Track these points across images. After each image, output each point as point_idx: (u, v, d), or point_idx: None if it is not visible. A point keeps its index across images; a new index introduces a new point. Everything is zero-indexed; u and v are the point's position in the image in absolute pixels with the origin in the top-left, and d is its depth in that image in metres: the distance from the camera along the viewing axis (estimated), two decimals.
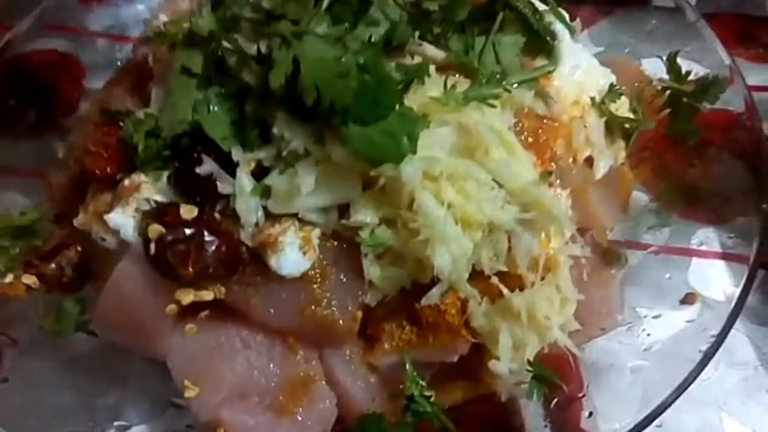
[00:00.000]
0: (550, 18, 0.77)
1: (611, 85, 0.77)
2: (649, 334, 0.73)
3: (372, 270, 0.65)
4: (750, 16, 1.07)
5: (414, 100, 0.63)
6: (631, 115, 0.78)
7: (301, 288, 0.65)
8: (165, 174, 0.67)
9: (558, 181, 0.70)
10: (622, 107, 0.78)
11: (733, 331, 0.80)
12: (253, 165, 0.65)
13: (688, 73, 0.80)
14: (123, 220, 0.65)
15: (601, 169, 0.74)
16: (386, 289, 0.66)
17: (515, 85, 0.69)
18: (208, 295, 0.64)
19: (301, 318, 0.65)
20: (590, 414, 0.69)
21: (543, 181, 0.64)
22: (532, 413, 0.72)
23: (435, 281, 0.64)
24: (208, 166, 0.64)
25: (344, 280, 0.66)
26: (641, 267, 0.80)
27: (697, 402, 0.77)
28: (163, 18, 0.76)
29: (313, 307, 0.65)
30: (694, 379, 0.64)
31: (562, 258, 0.67)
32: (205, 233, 0.62)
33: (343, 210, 0.65)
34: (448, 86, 0.63)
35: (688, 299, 0.74)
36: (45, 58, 0.95)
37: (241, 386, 0.66)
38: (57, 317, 0.71)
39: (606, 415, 0.70)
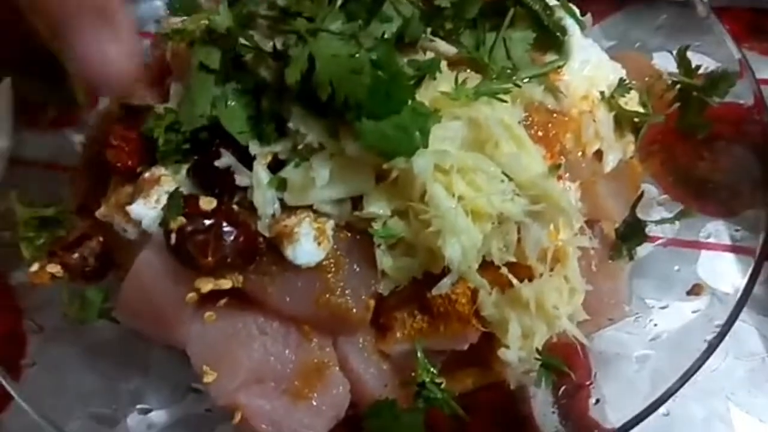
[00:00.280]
0: (560, 13, 0.78)
1: (621, 80, 0.77)
2: (656, 325, 0.74)
3: (384, 260, 0.66)
4: (762, 10, 1.07)
5: (426, 95, 0.64)
6: (641, 109, 0.79)
7: (316, 277, 0.67)
8: (184, 167, 0.69)
9: (567, 174, 0.70)
10: (631, 101, 0.79)
11: (741, 323, 0.82)
12: (269, 158, 0.66)
13: (698, 67, 0.80)
14: (144, 211, 0.67)
15: (610, 162, 0.75)
16: (398, 279, 0.67)
17: (525, 80, 0.71)
18: (226, 284, 0.66)
19: (316, 306, 0.67)
20: (597, 401, 0.71)
21: (552, 174, 0.65)
22: (541, 401, 0.73)
23: (446, 271, 0.65)
24: (226, 160, 0.66)
25: (357, 269, 0.67)
26: (650, 259, 0.81)
27: (704, 392, 0.78)
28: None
29: (327, 296, 0.67)
30: (699, 368, 0.65)
31: (571, 249, 0.68)
32: (224, 224, 0.64)
33: (357, 202, 0.66)
34: (459, 81, 0.65)
35: (694, 290, 0.75)
36: None
37: (257, 372, 0.68)
38: (81, 305, 0.73)
39: (613, 403, 0.71)
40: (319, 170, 0.64)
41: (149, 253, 0.66)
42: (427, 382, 0.68)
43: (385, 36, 0.63)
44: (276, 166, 0.67)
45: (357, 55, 0.59)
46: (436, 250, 0.62)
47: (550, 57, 0.76)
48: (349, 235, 0.68)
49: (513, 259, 0.65)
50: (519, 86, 0.68)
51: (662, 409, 0.76)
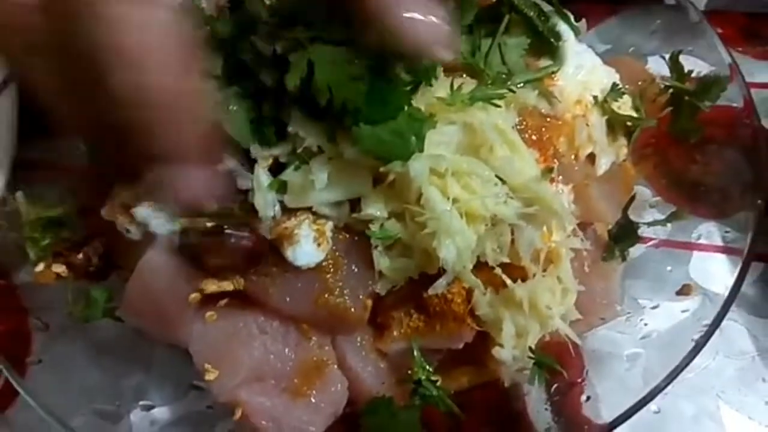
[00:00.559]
0: (555, 19, 0.79)
1: (614, 84, 0.79)
2: (646, 324, 0.76)
3: (381, 261, 0.68)
4: (757, 14, 1.09)
5: (422, 100, 0.66)
6: (634, 114, 0.80)
7: (315, 278, 0.68)
8: None
9: (560, 177, 0.72)
10: (624, 105, 0.80)
11: (731, 323, 0.84)
12: (270, 161, 0.68)
13: (689, 72, 0.82)
14: (148, 213, 0.69)
15: (602, 165, 0.77)
16: (395, 279, 0.69)
17: (520, 85, 0.72)
18: (229, 286, 0.67)
19: (315, 306, 0.68)
20: (588, 398, 0.72)
21: (545, 177, 0.67)
22: (535, 398, 0.75)
23: (441, 272, 0.66)
24: (227, 163, 0.68)
25: (355, 270, 0.69)
26: (643, 259, 0.82)
27: (695, 390, 0.80)
28: None
29: (326, 296, 0.68)
30: (686, 365, 0.66)
31: (564, 251, 0.70)
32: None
33: (355, 204, 0.68)
34: (455, 87, 0.66)
35: (684, 290, 0.76)
36: None
37: (257, 370, 0.69)
38: (85, 304, 0.74)
39: (605, 400, 0.73)
40: (318, 173, 0.65)
41: (153, 254, 0.68)
42: (423, 380, 0.70)
43: None
44: (276, 169, 0.68)
45: (355, 62, 0.61)
46: (432, 251, 0.63)
47: (544, 62, 0.77)
48: (347, 236, 0.69)
49: (507, 260, 0.67)
50: (513, 91, 0.70)
51: (653, 407, 0.78)
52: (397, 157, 0.62)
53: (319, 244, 0.67)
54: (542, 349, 0.71)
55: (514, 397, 0.75)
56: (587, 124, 0.76)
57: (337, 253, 0.69)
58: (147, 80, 0.47)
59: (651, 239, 0.83)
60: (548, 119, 0.75)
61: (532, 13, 0.76)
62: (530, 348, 0.68)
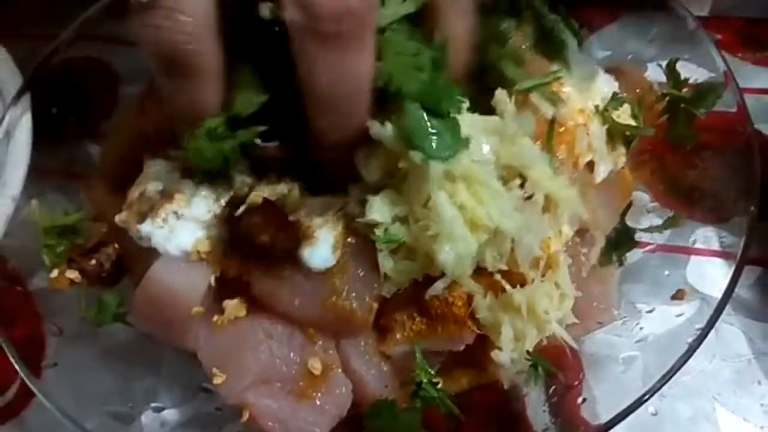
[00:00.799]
0: (560, 26, 0.81)
1: (614, 94, 0.81)
2: (642, 328, 0.78)
3: (386, 263, 0.69)
4: (757, 20, 1.10)
5: None
6: (633, 122, 0.82)
7: (324, 281, 0.70)
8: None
9: None
10: (624, 114, 0.82)
11: (728, 326, 0.86)
12: None
13: (686, 80, 0.83)
14: (152, 230, 0.71)
15: (601, 173, 0.78)
16: (400, 282, 0.71)
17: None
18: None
19: (323, 309, 0.70)
20: (584, 400, 0.74)
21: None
22: (533, 399, 0.77)
23: (443, 275, 0.68)
24: None
25: (361, 273, 0.71)
26: (641, 264, 0.84)
27: (691, 392, 0.81)
28: None
29: (334, 299, 0.70)
30: (681, 367, 0.68)
31: (562, 257, 0.72)
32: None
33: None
34: None
35: (678, 295, 0.78)
36: (82, 65, 1.00)
37: (264, 373, 0.71)
38: (97, 309, 0.77)
39: (602, 402, 0.75)
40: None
41: (159, 266, 0.70)
42: (425, 382, 0.72)
43: None
44: None
45: (420, 55, 0.63)
46: (433, 254, 0.65)
47: (553, 68, 0.79)
48: (354, 239, 0.71)
49: (505, 268, 0.68)
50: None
51: (651, 409, 0.80)
52: (435, 154, 0.63)
53: (334, 250, 0.69)
54: (541, 352, 0.73)
55: (514, 398, 0.77)
56: (587, 133, 0.77)
57: (344, 257, 0.71)
58: None
59: (648, 244, 0.85)
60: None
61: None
62: (528, 351, 0.70)
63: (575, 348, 0.72)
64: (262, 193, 0.70)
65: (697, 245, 0.85)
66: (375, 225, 0.68)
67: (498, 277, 0.68)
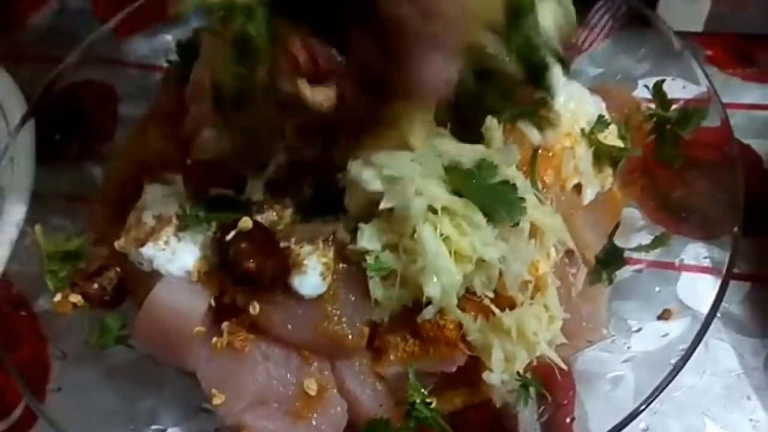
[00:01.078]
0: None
1: (600, 117, 0.82)
2: (629, 348, 0.79)
3: (377, 290, 0.72)
4: (750, 36, 1.11)
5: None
6: (620, 143, 0.84)
7: (316, 307, 0.72)
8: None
9: None
10: (611, 135, 0.84)
11: (718, 342, 0.87)
12: None
13: (671, 101, 0.85)
14: (154, 252, 0.74)
15: (588, 195, 0.80)
16: (390, 307, 0.73)
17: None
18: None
19: (315, 333, 0.72)
20: (572, 419, 0.76)
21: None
22: (526, 417, 0.78)
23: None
24: None
25: (353, 299, 0.73)
26: (631, 281, 0.85)
27: (682, 407, 0.83)
28: None
29: (326, 324, 0.72)
30: (671, 382, 0.69)
31: (550, 279, 0.74)
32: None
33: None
34: None
35: (664, 315, 0.80)
36: (85, 90, 1.02)
37: (261, 394, 0.73)
38: (100, 332, 0.79)
39: (594, 418, 0.76)
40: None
41: (160, 289, 0.72)
42: (418, 402, 0.73)
43: None
44: None
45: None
46: (420, 284, 0.67)
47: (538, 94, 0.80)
48: (345, 267, 0.73)
49: (491, 296, 0.70)
50: None
51: (642, 424, 0.82)
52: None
53: (324, 278, 0.71)
54: (533, 371, 0.74)
55: (506, 416, 0.79)
56: (574, 156, 0.79)
57: (336, 284, 0.73)
58: None
59: (639, 261, 0.86)
60: (539, 151, 0.78)
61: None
62: (518, 372, 0.72)
63: (564, 368, 0.73)
64: (250, 218, 0.72)
65: (688, 261, 0.87)
66: (366, 252, 0.70)
67: (487, 301, 0.70)
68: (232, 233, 0.71)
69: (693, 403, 0.83)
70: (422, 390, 0.74)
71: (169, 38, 1.11)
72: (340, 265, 0.73)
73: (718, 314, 0.84)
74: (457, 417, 0.76)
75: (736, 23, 1.10)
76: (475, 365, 0.74)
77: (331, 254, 0.72)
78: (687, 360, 0.71)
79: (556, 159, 0.78)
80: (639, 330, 0.80)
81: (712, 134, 0.86)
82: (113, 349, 0.80)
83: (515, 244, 0.69)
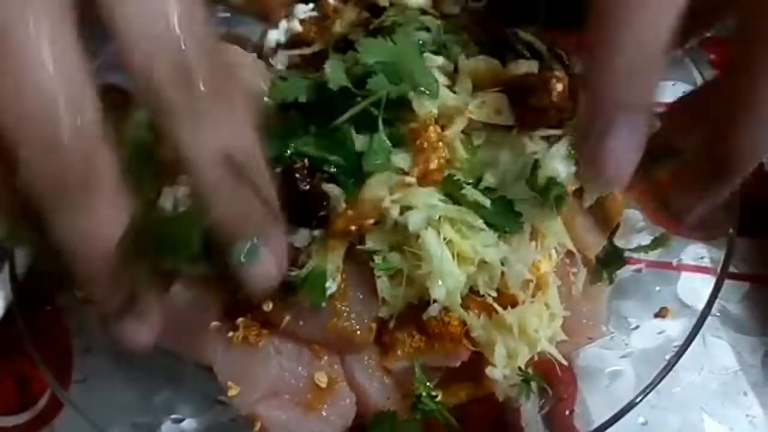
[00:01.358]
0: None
1: None
2: (627, 344, 0.82)
3: (384, 289, 0.75)
4: None
5: None
6: None
7: (325, 305, 0.75)
8: None
9: None
10: None
11: (716, 339, 0.90)
12: None
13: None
14: None
15: (588, 199, 0.83)
16: (397, 305, 0.76)
17: None
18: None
19: (326, 329, 0.76)
20: (571, 411, 0.79)
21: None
22: (528, 411, 0.81)
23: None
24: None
25: (361, 297, 0.76)
26: (632, 280, 0.88)
27: (680, 403, 0.85)
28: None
29: (335, 320, 0.75)
30: (666, 375, 0.72)
31: (551, 278, 0.76)
32: None
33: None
34: None
35: (661, 313, 0.82)
36: (106, 95, 1.06)
37: (274, 386, 0.76)
38: None
39: (594, 412, 0.80)
40: None
41: (179, 285, 0.76)
42: (424, 395, 0.77)
43: None
44: None
45: None
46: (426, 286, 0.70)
47: None
48: (353, 266, 0.76)
49: (494, 294, 0.73)
50: None
51: (641, 419, 0.85)
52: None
53: (334, 279, 0.74)
54: (534, 367, 0.77)
55: (509, 409, 0.81)
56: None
57: (345, 283, 0.76)
58: None
59: (639, 261, 0.89)
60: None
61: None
62: (519, 367, 0.75)
63: (564, 364, 0.76)
64: None
65: (687, 261, 0.89)
66: (374, 252, 0.73)
67: (490, 300, 0.73)
68: None
69: (691, 399, 0.85)
70: (428, 384, 0.77)
71: None
72: (349, 265, 0.76)
73: (717, 313, 0.88)
74: (461, 410, 0.79)
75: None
76: (478, 360, 0.77)
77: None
78: (681, 355, 0.74)
79: None
80: (637, 327, 0.83)
81: None
82: None
83: (517, 246, 0.72)
